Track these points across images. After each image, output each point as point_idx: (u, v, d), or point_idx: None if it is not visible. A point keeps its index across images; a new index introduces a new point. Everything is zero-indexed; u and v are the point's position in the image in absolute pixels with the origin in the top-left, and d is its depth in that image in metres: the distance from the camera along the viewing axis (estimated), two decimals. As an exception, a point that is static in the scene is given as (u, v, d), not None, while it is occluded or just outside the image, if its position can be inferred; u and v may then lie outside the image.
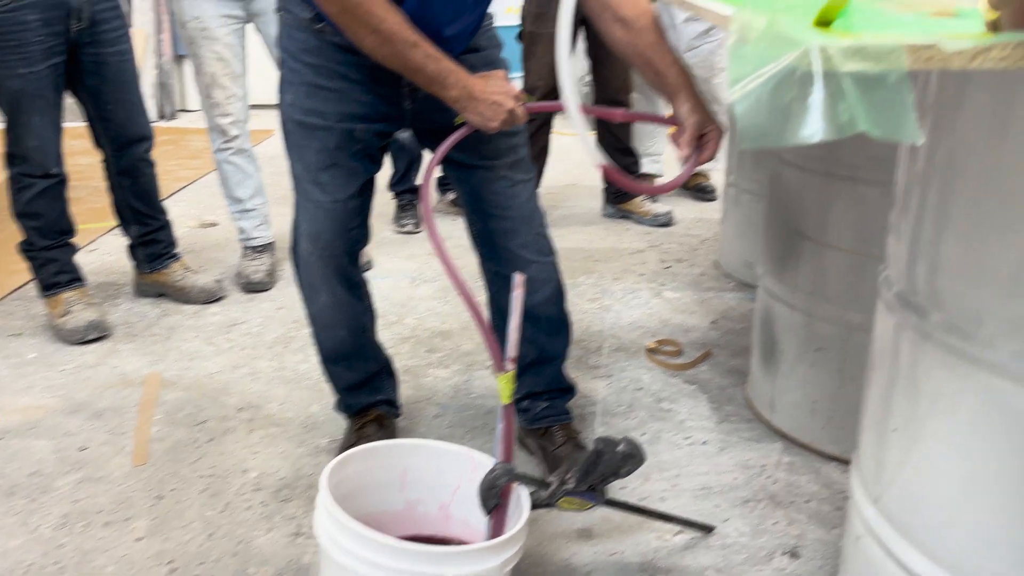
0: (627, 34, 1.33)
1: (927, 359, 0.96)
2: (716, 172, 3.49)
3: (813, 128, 0.54)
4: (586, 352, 2.21)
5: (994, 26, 0.56)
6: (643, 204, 3.23)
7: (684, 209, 3.34)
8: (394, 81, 1.41)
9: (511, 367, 1.29)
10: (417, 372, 2.13)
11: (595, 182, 3.44)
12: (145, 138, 2.45)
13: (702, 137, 1.32)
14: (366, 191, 1.58)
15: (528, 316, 1.64)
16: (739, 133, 0.56)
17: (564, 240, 3.08)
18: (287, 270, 2.66)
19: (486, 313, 1.72)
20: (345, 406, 1.79)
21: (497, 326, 1.71)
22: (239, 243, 2.76)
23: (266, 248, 2.73)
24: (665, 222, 3.18)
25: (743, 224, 2.61)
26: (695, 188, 3.50)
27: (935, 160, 0.86)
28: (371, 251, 2.94)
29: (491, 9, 1.51)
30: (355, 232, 1.60)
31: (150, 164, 2.50)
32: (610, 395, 1.99)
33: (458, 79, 1.31)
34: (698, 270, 2.76)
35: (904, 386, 1.01)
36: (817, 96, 0.54)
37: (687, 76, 1.31)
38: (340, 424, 1.83)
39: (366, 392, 1.77)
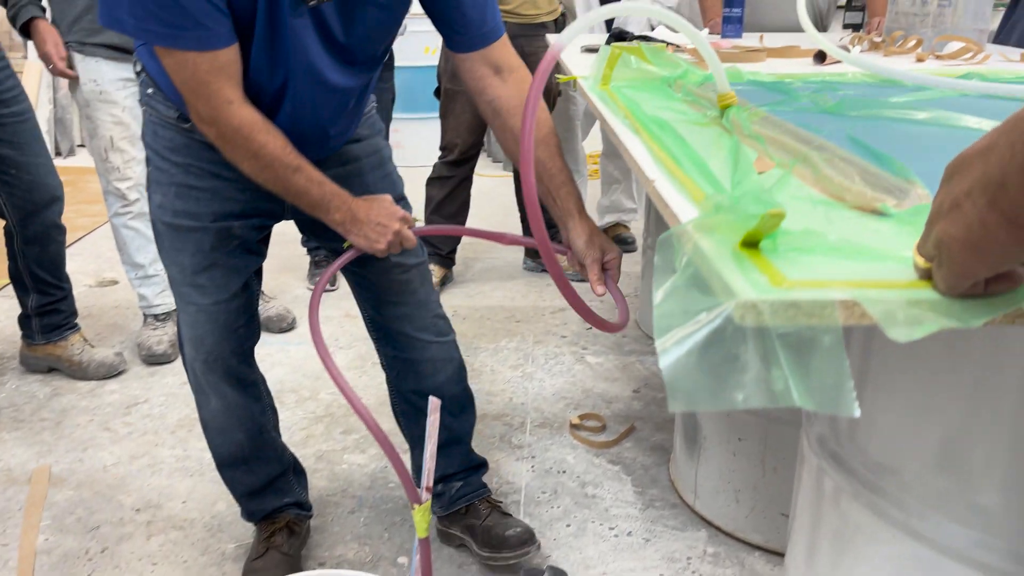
0: (517, 145, 1.27)
1: (852, 512, 0.93)
2: (637, 221, 3.50)
3: (746, 394, 0.50)
4: (510, 429, 2.15)
5: (926, 274, 0.52)
6: (563, 258, 3.21)
7: (605, 261, 3.33)
8: None
9: (427, 497, 1.22)
10: (332, 458, 2.03)
11: (514, 230, 3.41)
12: (55, 199, 2.29)
13: (604, 263, 1.28)
14: (250, 286, 1.48)
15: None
16: (668, 393, 0.51)
17: (486, 298, 3.04)
18: (193, 339, 2.51)
19: (403, 439, 1.69)
20: (248, 514, 1.67)
21: (400, 411, 1.70)
22: (139, 311, 2.60)
23: (169, 316, 2.57)
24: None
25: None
26: (615, 239, 3.50)
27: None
28: (292, 310, 2.82)
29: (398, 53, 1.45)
30: (242, 331, 1.50)
31: (61, 231, 2.34)
32: (533, 480, 1.93)
33: (342, 202, 1.26)
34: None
35: (828, 534, 0.99)
36: (749, 359, 0.50)
37: (580, 200, 1.26)
38: (248, 525, 1.72)
39: (271, 496, 1.65)
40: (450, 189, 2.97)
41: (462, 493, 1.70)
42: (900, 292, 0.51)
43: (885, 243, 0.61)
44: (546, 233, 0.93)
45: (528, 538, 1.63)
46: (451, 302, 2.98)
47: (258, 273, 1.51)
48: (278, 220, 1.46)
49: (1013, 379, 0.75)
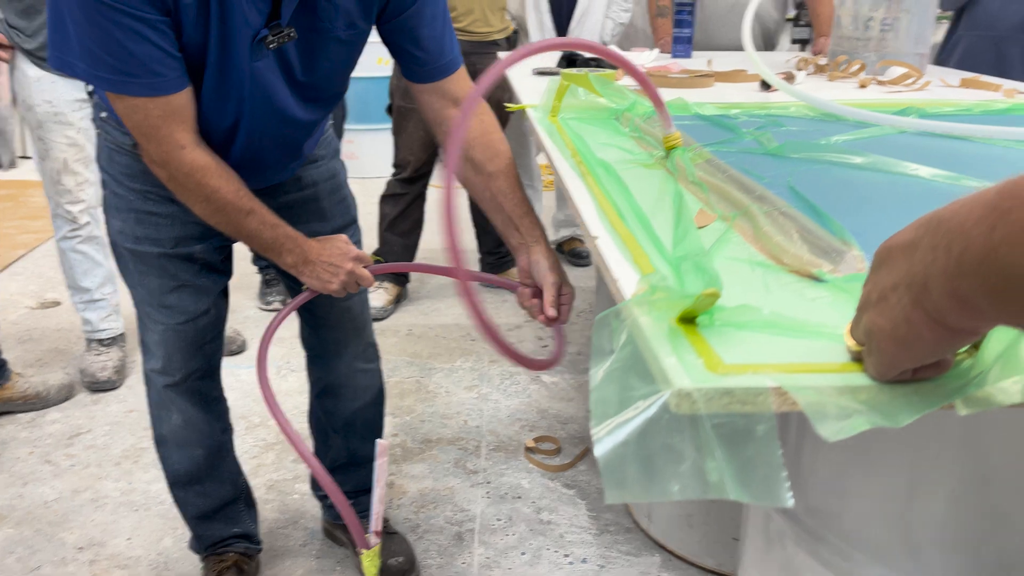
0: (477, 176, 1.25)
1: (796, 556, 0.94)
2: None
3: (682, 485, 0.50)
4: (464, 454, 2.14)
5: (858, 356, 0.53)
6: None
7: (560, 276, 3.33)
8: None
9: (376, 541, 1.20)
10: (283, 488, 1.99)
11: (471, 246, 3.39)
12: None
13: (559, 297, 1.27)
14: (219, 302, 1.48)
15: (345, 423, 1.66)
16: (604, 482, 0.51)
17: (441, 316, 3.02)
18: (139, 364, 2.45)
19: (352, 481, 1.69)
20: (197, 539, 1.65)
21: (314, 422, 1.73)
22: (83, 335, 2.53)
23: (114, 341, 2.50)
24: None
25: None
26: (570, 253, 3.51)
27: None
28: (243, 332, 2.77)
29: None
30: (209, 347, 1.50)
31: None
32: (488, 507, 1.92)
33: (294, 245, 1.25)
34: (575, 348, 2.75)
35: (775, 571, 1.00)
36: (684, 449, 0.50)
37: (541, 229, 1.25)
38: (195, 562, 1.68)
39: (220, 523, 1.64)
40: (404, 206, 2.95)
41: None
42: (832, 377, 0.52)
43: (820, 315, 0.62)
44: (463, 263, 0.91)
45: (408, 568, 1.69)
46: (406, 320, 2.95)
47: (225, 290, 1.50)
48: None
49: (953, 434, 0.77)
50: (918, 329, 0.45)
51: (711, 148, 1.13)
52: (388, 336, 2.81)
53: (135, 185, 1.32)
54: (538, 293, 1.20)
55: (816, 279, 0.68)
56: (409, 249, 3.02)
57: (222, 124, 1.20)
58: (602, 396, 0.52)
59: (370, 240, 3.09)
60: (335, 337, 1.60)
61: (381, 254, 3.02)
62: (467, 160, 1.31)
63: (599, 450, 0.51)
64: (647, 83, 1.03)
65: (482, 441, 2.20)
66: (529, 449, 2.15)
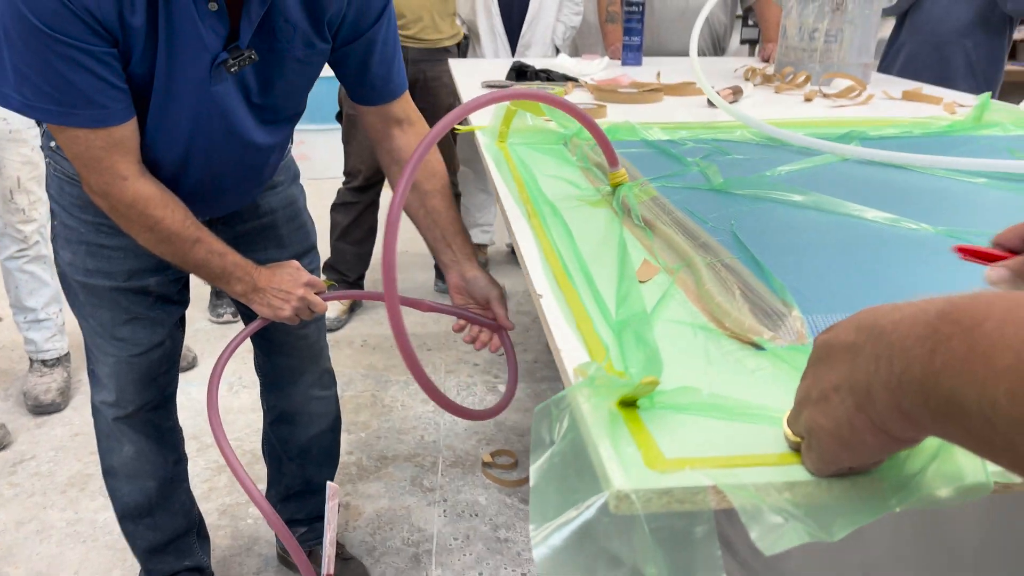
0: (412, 194, 1.27)
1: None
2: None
3: (620, 590, 0.49)
4: (421, 471, 2.13)
5: (797, 447, 0.53)
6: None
7: (515, 281, 3.33)
8: None
9: (330, 585, 1.19)
10: (236, 513, 1.96)
11: (425, 251, 3.37)
12: None
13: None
14: (175, 333, 1.44)
15: (301, 450, 1.64)
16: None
17: (395, 325, 2.98)
18: (84, 384, 2.39)
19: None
20: (147, 573, 1.62)
21: (267, 450, 1.72)
22: (27, 355, 2.45)
23: (59, 362, 2.43)
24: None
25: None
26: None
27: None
28: (192, 347, 2.71)
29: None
30: (163, 378, 1.46)
31: None
32: (446, 526, 1.92)
33: (244, 273, 1.22)
34: (531, 355, 2.75)
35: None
36: (623, 553, 0.49)
37: (473, 247, 1.28)
38: (146, 597, 1.64)
39: (171, 556, 1.61)
40: (356, 215, 2.91)
41: (307, 538, 1.74)
42: (770, 472, 0.52)
43: (760, 390, 0.62)
44: (398, 302, 0.91)
45: None
46: (360, 330, 2.92)
47: (181, 319, 1.46)
48: None
49: (906, 532, 0.78)
50: (861, 434, 0.45)
51: (657, 183, 1.13)
52: (343, 348, 2.77)
53: (86, 217, 1.28)
54: (468, 322, 1.25)
55: (757, 346, 0.68)
56: (362, 258, 2.98)
57: (173, 152, 1.17)
58: (541, 495, 0.52)
59: (322, 247, 3.06)
60: (291, 365, 1.58)
61: (333, 264, 2.98)
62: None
63: (537, 554, 0.50)
64: (594, 127, 1.03)
65: (439, 456, 2.19)
66: (486, 464, 2.14)
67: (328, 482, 1.17)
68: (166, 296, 1.38)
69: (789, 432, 0.53)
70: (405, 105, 1.33)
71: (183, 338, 1.48)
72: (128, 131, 1.09)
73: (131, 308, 1.34)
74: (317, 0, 1.12)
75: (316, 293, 1.28)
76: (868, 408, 0.43)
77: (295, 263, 1.29)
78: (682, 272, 0.84)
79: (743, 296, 0.76)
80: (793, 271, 0.82)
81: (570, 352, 0.69)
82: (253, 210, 1.40)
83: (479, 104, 0.98)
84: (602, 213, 1.05)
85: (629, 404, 0.59)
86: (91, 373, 1.44)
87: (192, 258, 1.18)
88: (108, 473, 1.52)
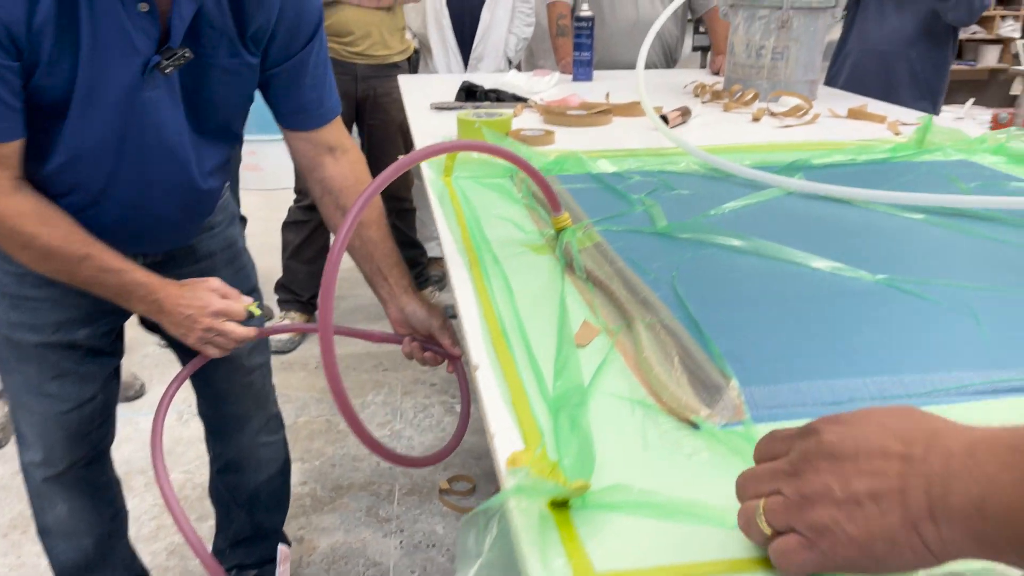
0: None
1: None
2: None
3: None
4: (377, 500, 2.09)
5: (767, 541, 0.50)
6: (432, 296, 3.17)
7: (473, 295, 3.29)
8: None
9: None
10: (185, 553, 1.91)
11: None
12: None
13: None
14: (108, 385, 1.37)
15: (250, 497, 1.61)
16: None
17: (351, 344, 2.94)
18: (26, 420, 2.31)
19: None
20: None
21: (215, 496, 1.66)
22: (-38, 390, 2.36)
23: (1, 395, 2.35)
24: (452, 315, 3.13)
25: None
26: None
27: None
28: (140, 373, 2.64)
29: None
30: (96, 433, 1.39)
31: None
32: (402, 559, 1.89)
33: (146, 292, 1.13)
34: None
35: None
36: None
37: (410, 279, 1.22)
38: (92, 647, 1.59)
39: (117, 612, 1.55)
40: (307, 233, 2.86)
41: None
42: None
43: (696, 480, 0.60)
44: (332, 336, 0.87)
45: None
46: (313, 351, 2.87)
47: (116, 370, 1.39)
48: (128, 316, 1.34)
49: None
50: (901, 550, 0.43)
51: (601, 227, 1.12)
52: (295, 371, 2.72)
53: (8, 267, 1.22)
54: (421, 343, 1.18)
55: (694, 425, 0.67)
56: (315, 276, 2.93)
57: (98, 169, 1.10)
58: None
59: (274, 263, 3.00)
60: (236, 412, 1.53)
61: (285, 283, 2.93)
62: (338, 208, 1.27)
63: None
64: (536, 176, 1.02)
65: (395, 484, 2.16)
66: (443, 491, 2.12)
67: (280, 545, 1.14)
68: (97, 349, 1.31)
69: (764, 525, 0.50)
70: (338, 131, 1.28)
71: (118, 389, 1.43)
72: (11, 149, 1.02)
73: (59, 363, 1.28)
74: (242, 9, 1.08)
75: (246, 319, 1.21)
76: (924, 529, 0.42)
77: (212, 282, 1.20)
78: (621, 335, 0.82)
79: (681, 364, 0.75)
80: (732, 331, 0.81)
81: (504, 435, 0.67)
82: (189, 254, 1.35)
83: (420, 156, 0.96)
84: (545, 262, 1.04)
85: (561, 504, 0.57)
86: (17, 432, 1.37)
87: (80, 276, 1.10)
88: (42, 532, 1.46)
